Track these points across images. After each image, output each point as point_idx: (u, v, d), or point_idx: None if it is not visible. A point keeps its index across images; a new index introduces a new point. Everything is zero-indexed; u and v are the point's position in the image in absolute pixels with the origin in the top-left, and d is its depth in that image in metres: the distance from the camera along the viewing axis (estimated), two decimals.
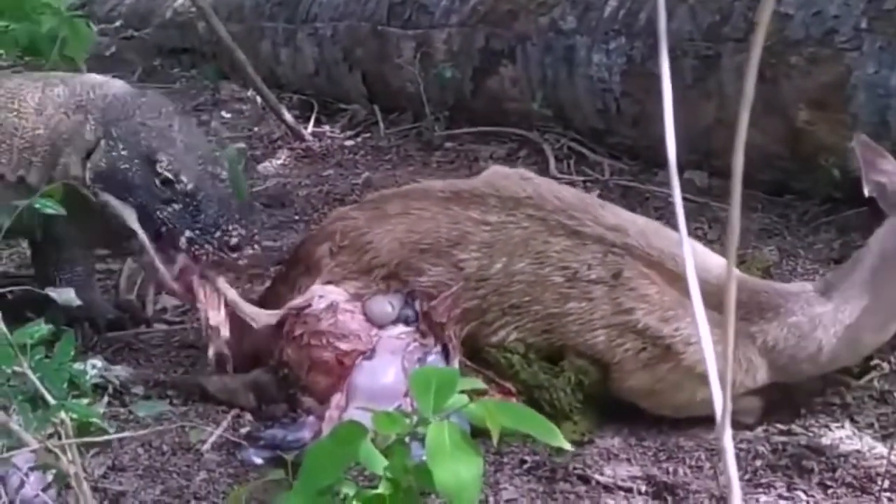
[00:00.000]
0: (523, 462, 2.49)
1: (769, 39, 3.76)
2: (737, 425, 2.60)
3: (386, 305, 2.64)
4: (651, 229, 2.72)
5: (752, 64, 0.82)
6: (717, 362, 2.54)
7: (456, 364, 2.57)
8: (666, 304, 2.56)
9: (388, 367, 2.53)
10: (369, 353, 2.58)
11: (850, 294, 2.54)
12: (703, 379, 2.53)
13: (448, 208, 2.73)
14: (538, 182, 2.85)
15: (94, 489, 2.31)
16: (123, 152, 2.72)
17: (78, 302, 1.81)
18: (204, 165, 2.75)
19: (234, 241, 2.64)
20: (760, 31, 0.82)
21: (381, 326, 2.63)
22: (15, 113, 2.91)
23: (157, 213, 2.69)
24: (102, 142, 2.75)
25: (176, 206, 2.67)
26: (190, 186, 2.67)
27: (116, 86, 2.98)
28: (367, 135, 5.33)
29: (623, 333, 2.57)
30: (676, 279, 2.58)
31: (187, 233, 2.66)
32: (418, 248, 2.68)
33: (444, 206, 2.74)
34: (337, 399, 2.52)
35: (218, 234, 2.65)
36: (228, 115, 5.79)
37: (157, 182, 2.67)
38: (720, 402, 0.86)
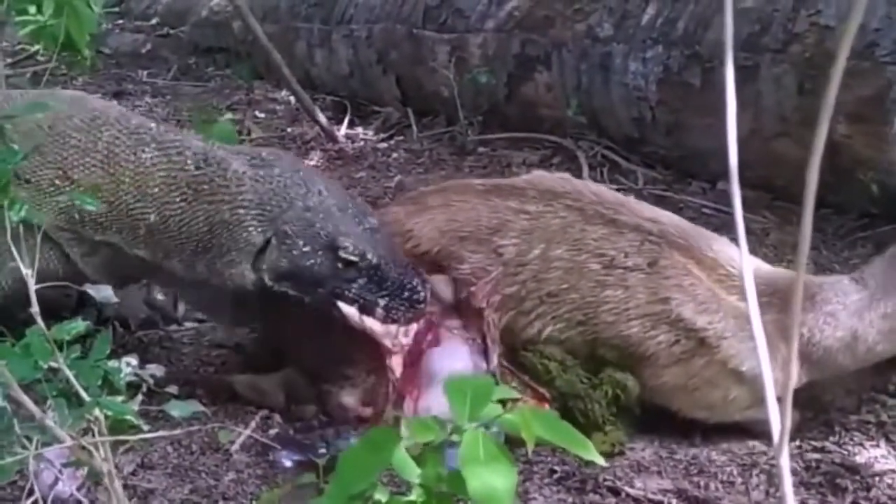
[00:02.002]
0: (553, 472, 2.48)
1: (809, 52, 3.73)
2: (770, 437, 2.58)
3: (444, 286, 2.67)
4: (686, 223, 2.76)
5: (836, 75, 0.80)
6: (758, 364, 2.51)
7: (495, 359, 2.57)
8: (700, 295, 2.55)
9: (457, 353, 2.57)
10: (434, 342, 2.62)
11: (887, 283, 2.52)
12: (737, 376, 2.54)
13: (488, 199, 2.77)
14: (576, 182, 2.88)
15: (124, 487, 2.31)
16: (305, 249, 2.54)
17: (116, 300, 1.82)
18: (362, 224, 2.59)
19: (421, 295, 2.54)
20: (846, 41, 0.81)
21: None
22: (137, 193, 2.62)
23: (347, 293, 2.56)
24: (274, 239, 2.55)
25: (361, 282, 2.55)
26: (376, 259, 2.54)
27: (241, 160, 2.65)
28: (400, 138, 5.33)
29: (657, 324, 2.57)
30: (712, 268, 2.58)
31: (381, 303, 2.54)
32: (458, 235, 2.72)
33: (483, 197, 2.78)
34: (412, 391, 2.55)
35: (406, 294, 2.54)
36: (262, 115, 5.80)
37: (340, 266, 2.53)
38: (777, 420, 0.84)
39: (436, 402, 2.34)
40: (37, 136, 2.60)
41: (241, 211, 2.55)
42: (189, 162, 2.61)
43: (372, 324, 2.56)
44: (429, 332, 2.64)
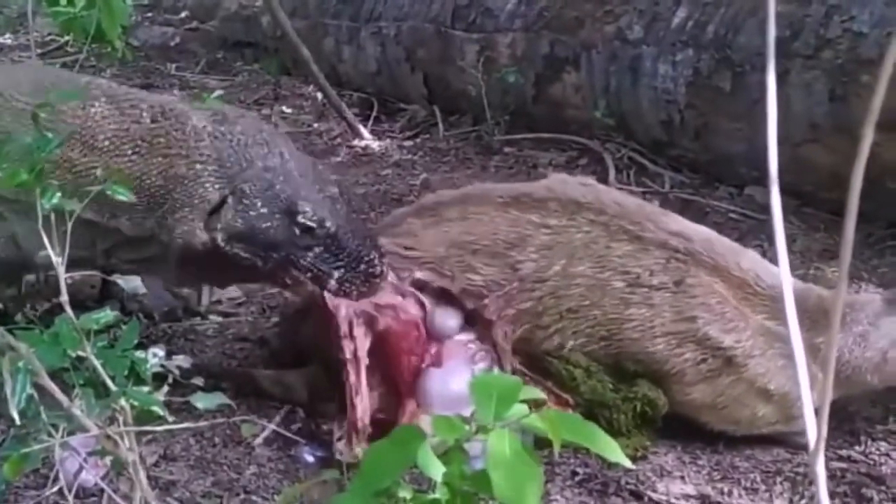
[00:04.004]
0: (575, 474, 2.47)
1: (840, 58, 3.70)
2: (795, 446, 2.56)
3: (450, 319, 2.60)
4: (713, 237, 2.70)
5: (881, 83, 0.79)
6: (786, 382, 2.49)
7: (508, 367, 2.54)
8: (728, 314, 2.53)
9: (458, 374, 2.49)
10: (437, 361, 2.56)
11: None
12: (765, 394, 2.52)
13: (507, 212, 2.70)
14: (599, 189, 2.82)
15: (146, 477, 2.32)
16: (262, 210, 2.44)
17: (143, 290, 1.82)
18: (323, 192, 2.50)
19: (378, 269, 2.47)
20: (894, 48, 0.80)
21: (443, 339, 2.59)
22: (84, 147, 2.53)
23: (301, 261, 2.47)
24: (230, 199, 2.46)
25: (317, 250, 2.46)
26: (334, 228, 2.45)
27: (201, 115, 2.56)
28: (427, 136, 5.33)
29: (683, 343, 2.54)
30: (740, 287, 2.55)
31: (336, 274, 2.46)
32: (472, 248, 2.66)
33: (503, 210, 2.71)
34: (409, 406, 2.50)
35: (363, 267, 2.46)
36: (289, 111, 5.82)
37: (297, 231, 2.44)
38: (814, 429, 0.83)
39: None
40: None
41: (199, 166, 2.46)
42: (144, 115, 2.52)
43: (326, 296, 2.47)
44: (429, 350, 2.58)
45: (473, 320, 2.62)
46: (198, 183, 2.46)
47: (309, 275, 2.48)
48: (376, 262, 2.47)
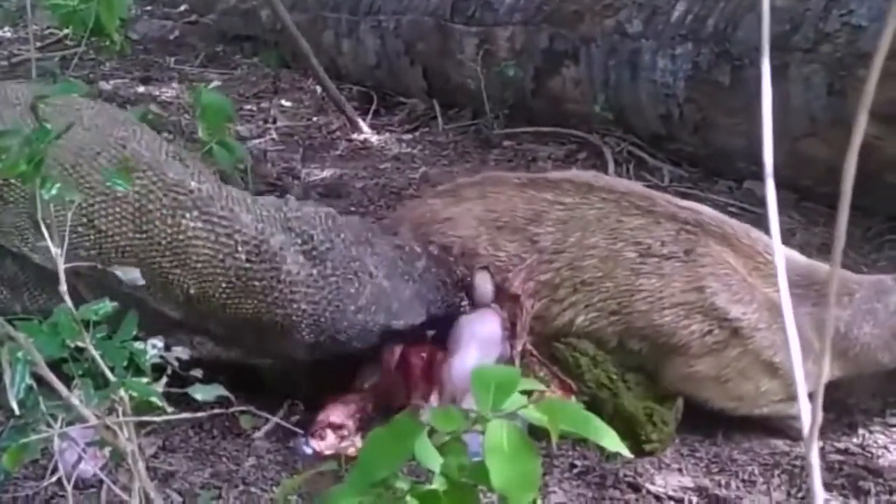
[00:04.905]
0: (573, 466, 2.47)
1: (839, 52, 3.70)
2: (793, 433, 2.57)
3: (488, 283, 2.68)
4: (723, 215, 2.77)
5: (872, 76, 0.79)
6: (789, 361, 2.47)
7: (520, 346, 2.58)
8: (735, 285, 2.55)
9: (489, 318, 2.62)
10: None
11: None
12: (770, 368, 2.52)
13: (524, 191, 2.81)
14: (609, 178, 2.96)
15: (145, 468, 2.32)
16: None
17: (142, 281, 1.81)
18: (412, 286, 2.67)
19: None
20: (884, 41, 0.80)
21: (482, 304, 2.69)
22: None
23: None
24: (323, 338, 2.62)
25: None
26: (425, 317, 2.66)
27: (294, 251, 2.58)
28: (426, 129, 5.33)
29: (691, 313, 2.56)
30: (750, 256, 2.58)
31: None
32: (496, 225, 2.75)
33: (519, 189, 2.82)
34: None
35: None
36: (288, 104, 5.81)
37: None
38: (809, 417, 0.83)
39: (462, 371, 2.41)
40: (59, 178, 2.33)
41: (295, 318, 2.53)
42: (240, 251, 2.53)
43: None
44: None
45: (498, 296, 2.69)
46: (296, 330, 2.55)
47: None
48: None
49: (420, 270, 2.64)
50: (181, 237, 2.51)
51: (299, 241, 2.56)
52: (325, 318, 2.55)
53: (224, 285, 2.52)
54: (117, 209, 2.50)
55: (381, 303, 2.59)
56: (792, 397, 2.54)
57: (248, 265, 2.51)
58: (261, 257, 2.51)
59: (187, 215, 2.51)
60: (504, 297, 2.66)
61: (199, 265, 2.51)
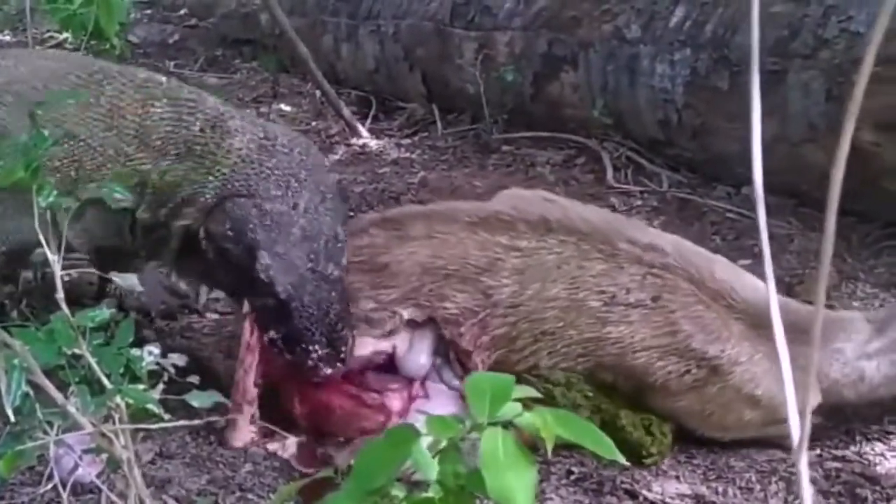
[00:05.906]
0: (570, 473, 2.47)
1: (838, 58, 3.70)
2: (783, 446, 2.57)
3: (420, 358, 2.60)
4: (685, 246, 2.67)
5: (861, 81, 0.80)
6: (772, 385, 2.49)
7: None
8: (709, 325, 2.51)
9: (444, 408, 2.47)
10: (423, 403, 2.58)
11: None
12: (752, 400, 2.52)
13: (475, 233, 2.62)
14: (564, 204, 2.76)
15: (141, 475, 2.32)
16: (230, 233, 2.49)
17: (140, 288, 1.82)
18: (313, 263, 2.47)
19: (310, 363, 2.46)
20: (873, 47, 0.80)
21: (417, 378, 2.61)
22: (115, 132, 2.61)
23: (252, 299, 2.52)
24: (217, 209, 2.54)
25: (269, 303, 2.46)
26: (283, 296, 2.44)
27: (246, 138, 2.61)
28: (425, 134, 5.33)
29: (665, 356, 2.52)
30: (717, 297, 2.54)
31: (271, 333, 2.49)
32: (443, 273, 2.58)
33: (470, 230, 2.63)
34: None
35: (298, 349, 2.47)
36: (287, 108, 5.82)
37: (256, 274, 2.45)
38: (797, 428, 0.83)
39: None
40: (31, 97, 2.52)
41: (228, 188, 2.53)
42: (196, 124, 2.62)
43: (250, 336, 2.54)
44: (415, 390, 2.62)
45: (449, 349, 2.60)
46: (206, 186, 2.55)
47: (254, 316, 2.53)
48: (313, 355, 2.46)
49: (327, 273, 2.51)
50: (147, 122, 2.62)
51: (261, 133, 2.63)
52: (236, 184, 2.52)
53: (174, 153, 2.59)
54: (88, 114, 2.61)
55: (282, 230, 2.47)
56: (777, 422, 2.52)
57: (200, 134, 2.59)
58: (214, 130, 2.60)
59: (156, 104, 2.64)
60: (457, 352, 2.57)
61: (159, 142, 2.60)
